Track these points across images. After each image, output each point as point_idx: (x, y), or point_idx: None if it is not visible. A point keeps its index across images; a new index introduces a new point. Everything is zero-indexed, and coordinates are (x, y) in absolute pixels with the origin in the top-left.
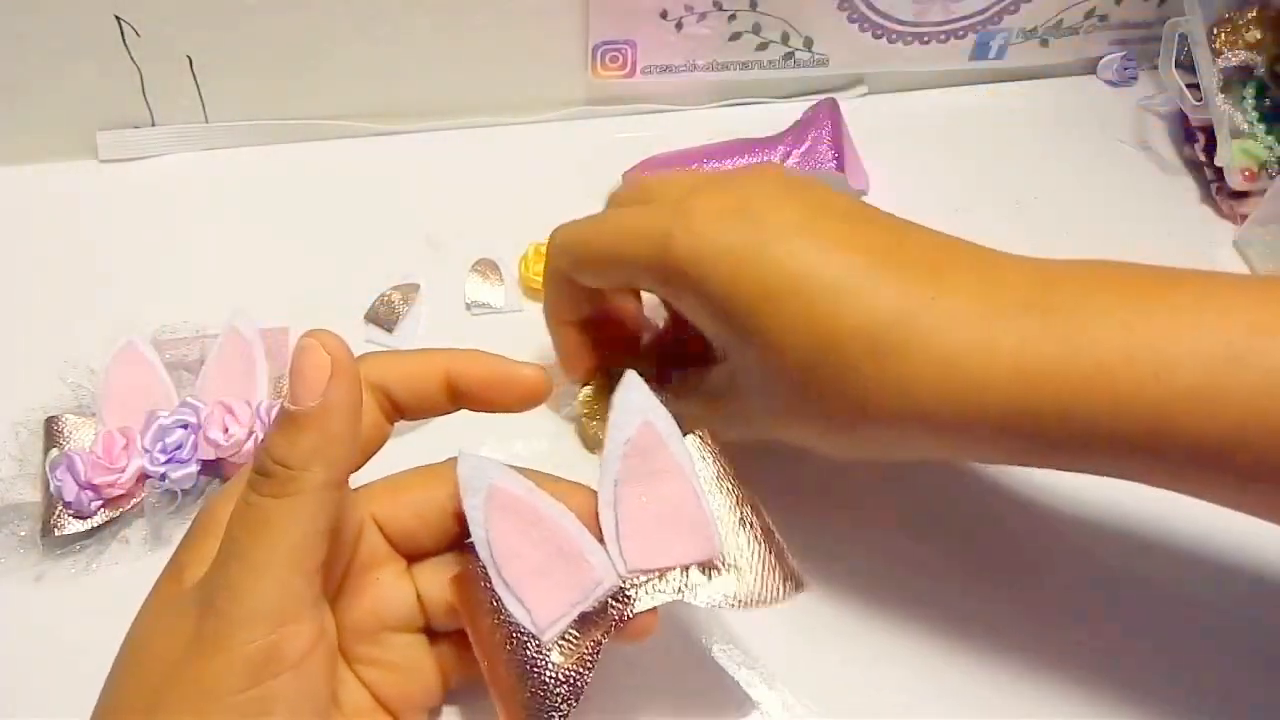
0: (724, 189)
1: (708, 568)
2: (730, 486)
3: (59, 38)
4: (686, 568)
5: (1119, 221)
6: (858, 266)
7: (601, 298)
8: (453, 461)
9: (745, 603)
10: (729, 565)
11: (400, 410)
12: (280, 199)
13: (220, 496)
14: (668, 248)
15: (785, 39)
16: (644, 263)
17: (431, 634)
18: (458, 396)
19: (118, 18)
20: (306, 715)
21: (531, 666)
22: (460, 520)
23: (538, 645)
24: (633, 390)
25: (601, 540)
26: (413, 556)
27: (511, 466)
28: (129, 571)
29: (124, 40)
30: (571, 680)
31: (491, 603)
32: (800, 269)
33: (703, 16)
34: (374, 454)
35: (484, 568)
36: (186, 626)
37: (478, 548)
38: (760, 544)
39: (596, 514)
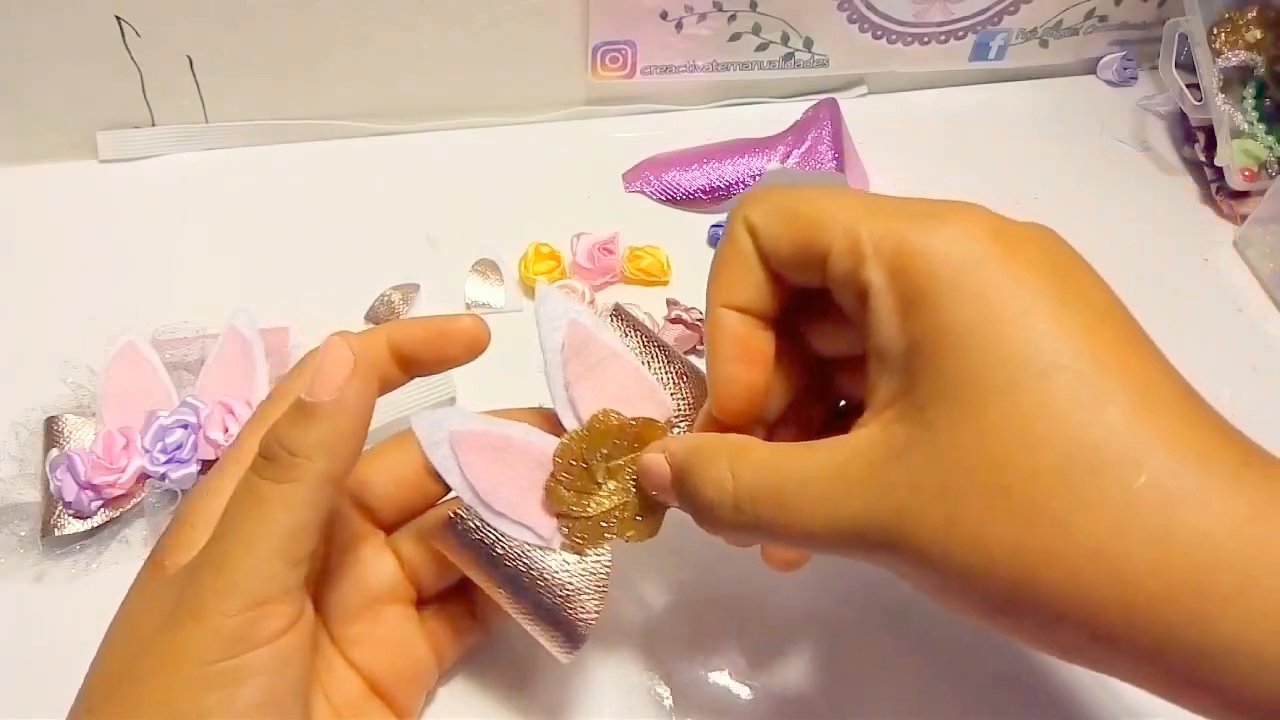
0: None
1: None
2: (655, 349)
3: (59, 38)
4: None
5: (1119, 221)
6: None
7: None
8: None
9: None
10: (681, 415)
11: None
12: (280, 199)
13: (201, 488)
14: (906, 240)
15: (785, 39)
16: (872, 247)
17: (421, 610)
18: (406, 364)
19: (118, 18)
20: (280, 694)
21: (552, 579)
22: (437, 476)
23: (550, 556)
24: (547, 300)
25: None
26: (392, 525)
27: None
28: (129, 571)
29: (124, 40)
30: (594, 573)
31: (485, 540)
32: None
33: (703, 17)
34: None
35: (465, 512)
36: (166, 602)
37: (459, 493)
38: (695, 383)
39: (556, 422)
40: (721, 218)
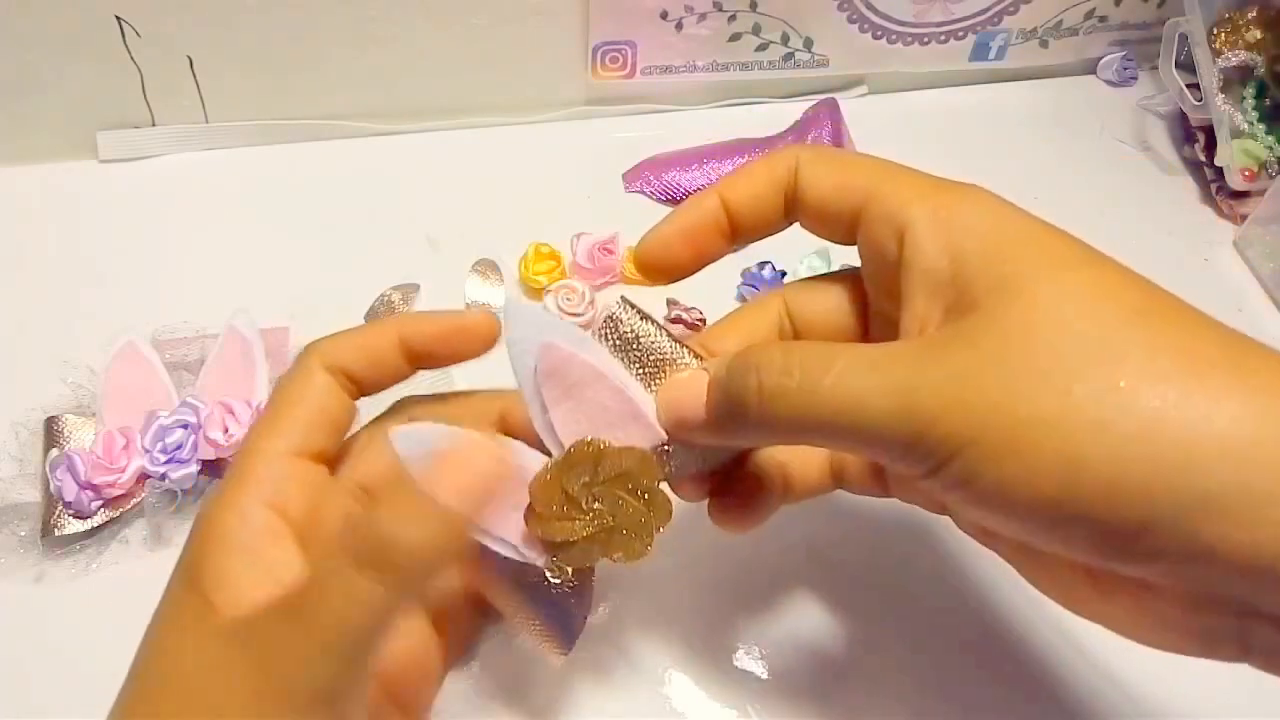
0: None
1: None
2: (643, 352)
3: (59, 38)
4: None
5: (1119, 221)
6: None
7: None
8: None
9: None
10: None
11: (362, 387)
12: (280, 199)
13: (223, 503)
14: (942, 188)
15: (785, 39)
16: (914, 193)
17: (427, 604)
18: (415, 358)
19: (118, 18)
20: None
21: (539, 588)
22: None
23: (534, 575)
24: (517, 320)
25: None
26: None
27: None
28: (129, 571)
29: (124, 40)
30: (583, 579)
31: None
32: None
33: (703, 17)
34: (345, 435)
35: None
36: (242, 665)
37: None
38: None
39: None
40: None
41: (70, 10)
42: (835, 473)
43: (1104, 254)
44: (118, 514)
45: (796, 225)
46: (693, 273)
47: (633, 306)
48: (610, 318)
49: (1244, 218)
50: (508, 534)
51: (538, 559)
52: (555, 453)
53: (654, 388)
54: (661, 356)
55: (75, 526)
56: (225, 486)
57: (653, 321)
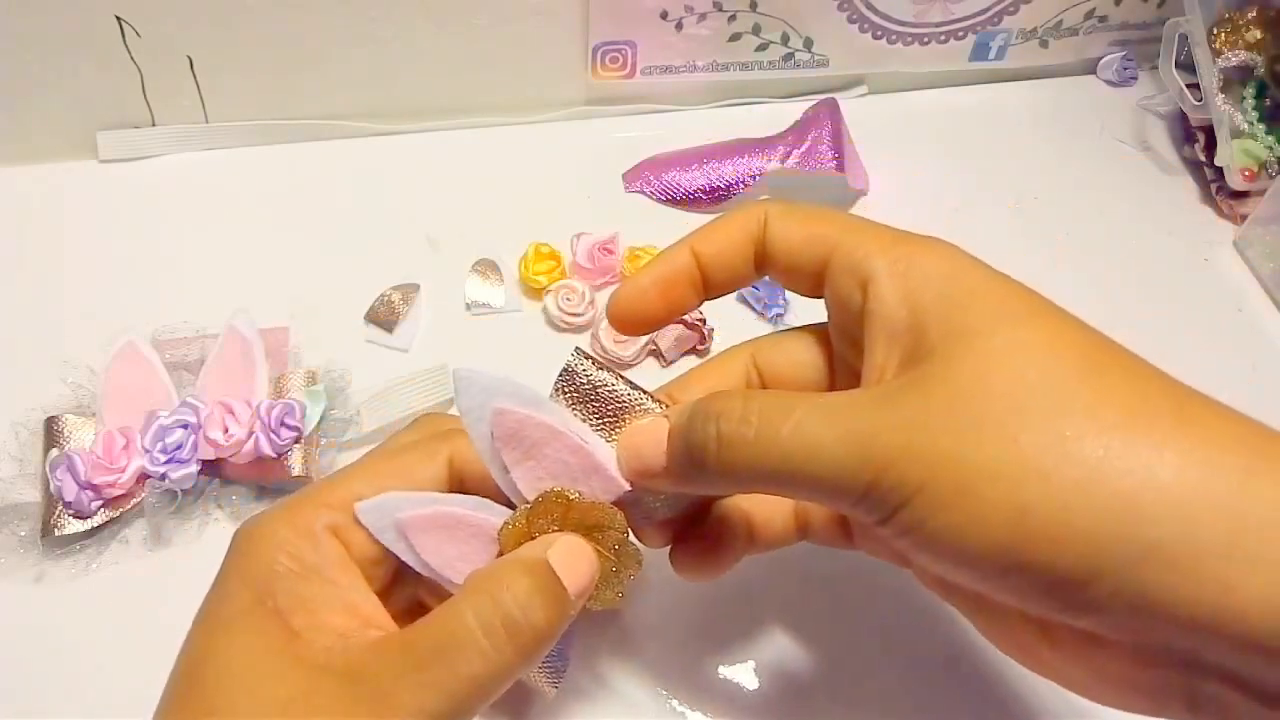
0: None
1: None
2: (602, 403)
3: (59, 38)
4: None
5: (1119, 221)
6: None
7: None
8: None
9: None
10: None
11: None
12: (280, 199)
13: (280, 521)
14: (903, 240)
15: (785, 39)
16: (877, 246)
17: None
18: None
19: (118, 18)
20: None
21: None
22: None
23: None
24: (467, 387)
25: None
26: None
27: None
28: (129, 571)
29: (124, 40)
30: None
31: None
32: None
33: (703, 17)
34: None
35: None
36: (344, 709)
37: (418, 570)
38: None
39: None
40: None
41: (70, 10)
42: (800, 524)
43: (1058, 307)
44: (118, 514)
45: None
46: (663, 325)
47: (588, 357)
48: (566, 370)
49: (1244, 218)
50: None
51: None
52: (519, 506)
53: (614, 437)
54: (621, 405)
55: (75, 526)
56: (294, 506)
57: (610, 370)
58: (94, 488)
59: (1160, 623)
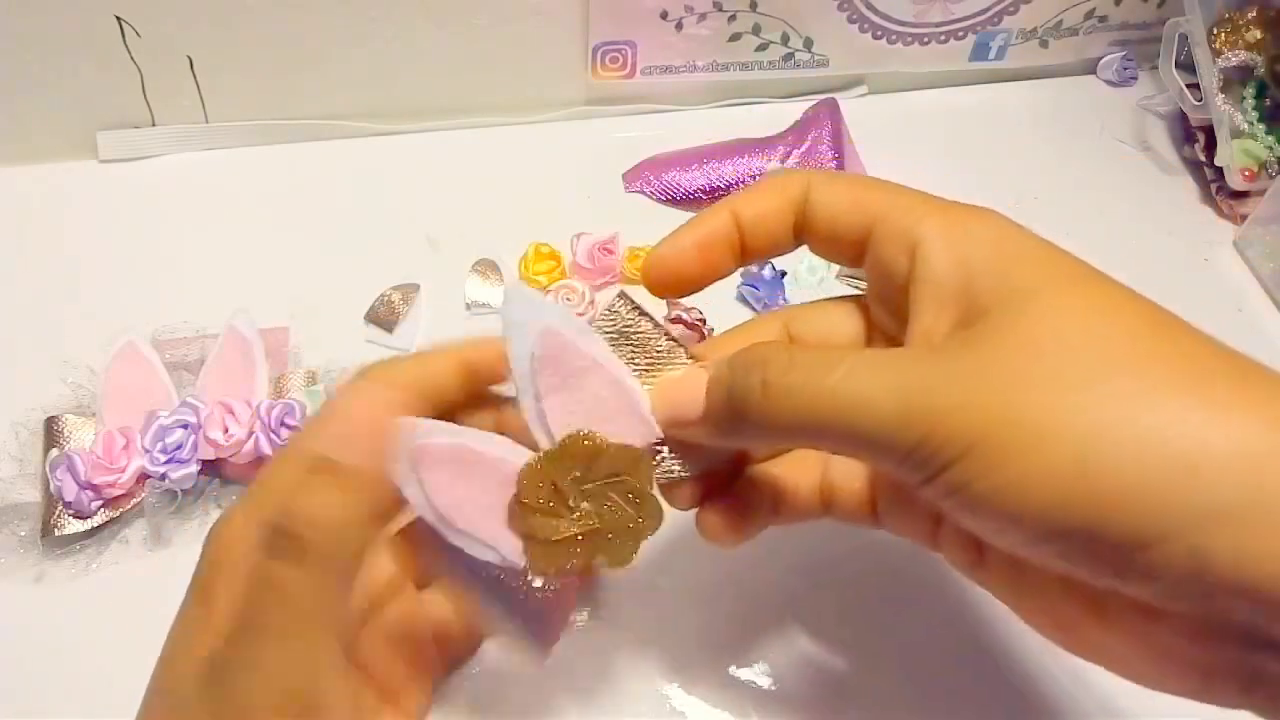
0: None
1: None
2: (640, 348)
3: (59, 38)
4: None
5: (1119, 221)
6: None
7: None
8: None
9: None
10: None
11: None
12: (280, 199)
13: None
14: (953, 207)
15: (785, 39)
16: (925, 211)
17: (423, 597)
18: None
19: (118, 18)
20: None
21: (517, 594)
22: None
23: (514, 578)
24: (516, 302)
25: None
26: None
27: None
28: (129, 571)
29: (124, 40)
30: (560, 595)
31: (450, 560)
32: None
33: (703, 17)
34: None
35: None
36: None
37: (419, 511)
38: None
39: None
40: None
41: (70, 10)
42: (825, 499)
43: (1108, 274)
44: (118, 514)
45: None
46: (699, 288)
47: (632, 302)
48: (609, 309)
49: (1244, 218)
50: (488, 535)
51: (517, 559)
52: (544, 443)
53: (648, 385)
54: (658, 354)
55: (75, 526)
56: (241, 503)
57: (651, 320)
58: (94, 488)
59: (1223, 590)
